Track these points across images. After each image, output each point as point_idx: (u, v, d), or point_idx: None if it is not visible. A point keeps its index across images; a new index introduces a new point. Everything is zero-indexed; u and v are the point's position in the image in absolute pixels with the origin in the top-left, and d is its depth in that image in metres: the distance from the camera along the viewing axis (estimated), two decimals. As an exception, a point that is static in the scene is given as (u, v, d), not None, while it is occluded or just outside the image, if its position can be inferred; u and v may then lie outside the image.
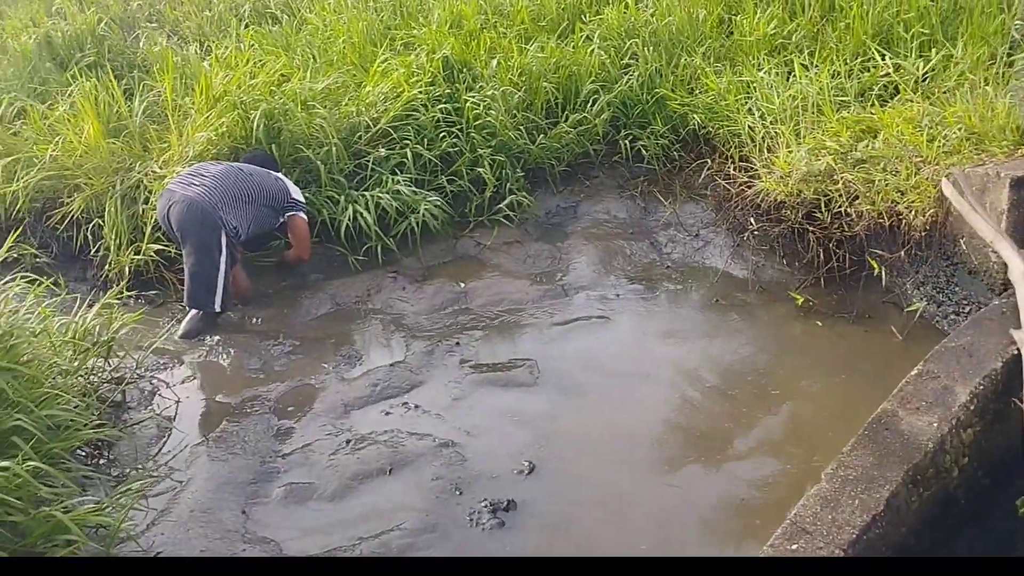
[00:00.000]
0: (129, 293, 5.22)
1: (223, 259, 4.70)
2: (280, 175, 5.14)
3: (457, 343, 4.64)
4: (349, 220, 5.42)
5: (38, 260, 5.44)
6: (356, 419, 4.04)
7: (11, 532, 2.80)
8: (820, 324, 4.67)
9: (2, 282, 3.93)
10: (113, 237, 5.27)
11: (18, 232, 4.98)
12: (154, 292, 5.23)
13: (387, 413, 4.08)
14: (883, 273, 4.69)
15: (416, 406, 4.11)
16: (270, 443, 3.85)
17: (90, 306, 4.68)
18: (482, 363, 4.46)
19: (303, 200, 5.19)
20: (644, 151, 6.29)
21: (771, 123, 5.59)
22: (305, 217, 5.21)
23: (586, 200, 6.20)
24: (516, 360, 4.48)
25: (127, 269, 5.20)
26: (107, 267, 5.28)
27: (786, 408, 3.99)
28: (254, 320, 4.97)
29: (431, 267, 5.50)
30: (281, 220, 5.14)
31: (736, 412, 3.99)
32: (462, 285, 5.25)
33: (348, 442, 3.85)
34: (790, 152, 5.21)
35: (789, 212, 5.15)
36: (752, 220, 5.28)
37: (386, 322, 4.95)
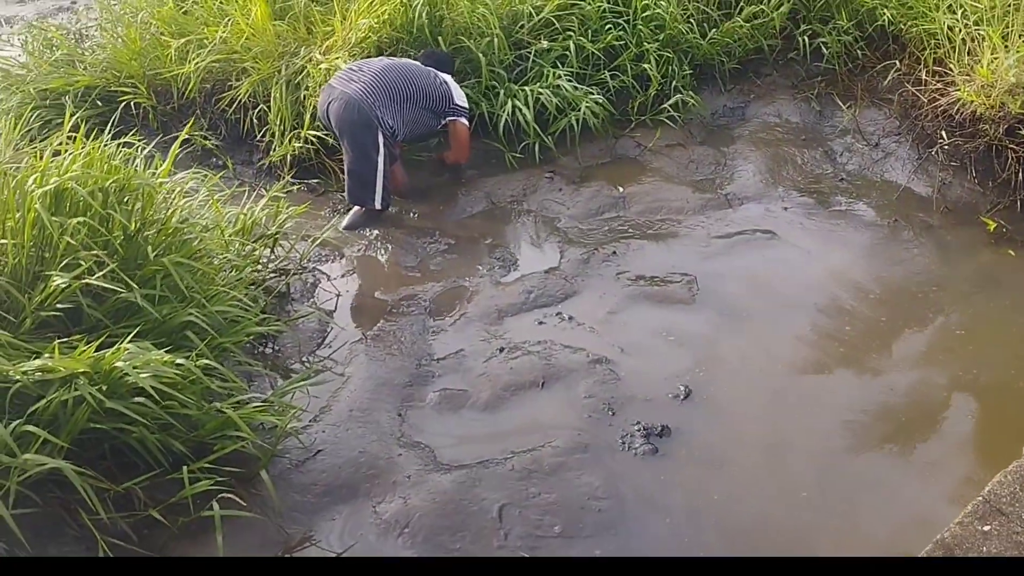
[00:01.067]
0: (292, 181, 5.32)
1: (381, 158, 4.67)
2: (447, 79, 4.99)
3: (613, 252, 4.51)
4: (508, 116, 5.28)
5: (207, 142, 5.58)
6: (509, 326, 4.01)
7: (184, 425, 2.93)
8: (1013, 254, 4.28)
9: (176, 172, 4.03)
10: (277, 123, 5.32)
11: (192, 117, 5.10)
12: (316, 180, 5.29)
13: (540, 323, 4.03)
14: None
15: (570, 317, 4.04)
16: (425, 345, 3.88)
17: (256, 192, 4.82)
18: (639, 275, 4.33)
19: (466, 105, 5.05)
20: (824, 48, 5.82)
21: (975, 24, 5.02)
22: (466, 123, 5.08)
23: (756, 101, 5.83)
24: (674, 275, 4.32)
25: (289, 156, 5.26)
26: (271, 153, 5.36)
27: (971, 352, 3.70)
28: (412, 215, 4.98)
29: (588, 168, 5.33)
30: (442, 123, 5.04)
31: (912, 352, 3.74)
32: (620, 189, 5.08)
33: (501, 350, 3.84)
34: (995, 59, 4.68)
35: (988, 127, 4.68)
36: (944, 133, 4.82)
37: (541, 224, 4.86)
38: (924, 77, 5.19)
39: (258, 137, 5.50)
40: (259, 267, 4.14)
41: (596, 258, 4.49)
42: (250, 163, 5.62)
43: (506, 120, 5.28)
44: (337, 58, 5.27)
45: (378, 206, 4.78)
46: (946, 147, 4.83)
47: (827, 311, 3.99)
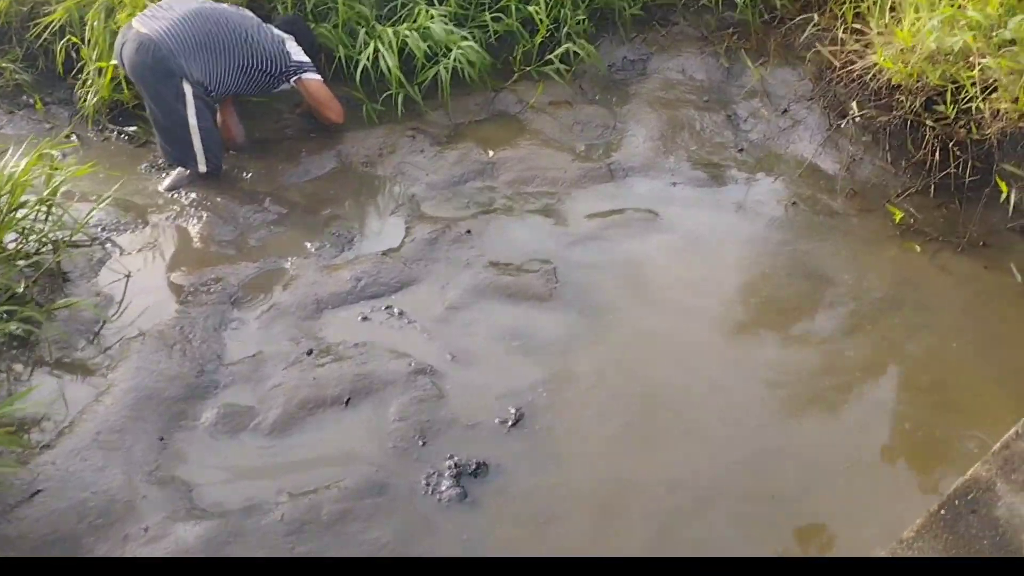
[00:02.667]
0: (109, 128, 4.55)
1: (191, 112, 3.92)
2: (285, 36, 4.25)
3: (468, 231, 3.86)
4: (368, 61, 4.54)
5: (17, 77, 4.77)
6: (326, 322, 3.36)
7: None
8: (919, 249, 3.72)
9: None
10: (93, 58, 4.51)
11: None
12: (134, 128, 4.52)
13: (365, 318, 3.38)
14: (1012, 194, 3.66)
15: (400, 312, 3.40)
16: (217, 345, 3.22)
17: (63, 138, 4.07)
18: (492, 261, 3.69)
19: (307, 59, 4.31)
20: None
21: (902, -23, 4.38)
22: (317, 77, 4.34)
23: (659, 53, 5.16)
24: (533, 262, 3.69)
25: (104, 98, 4.48)
26: (87, 94, 4.56)
27: (858, 378, 3.13)
28: (244, 175, 4.25)
29: (460, 126, 4.64)
30: (288, 86, 4.27)
31: (796, 380, 3.16)
32: (490, 154, 4.40)
33: (309, 353, 3.19)
34: (918, 20, 4.05)
35: (904, 98, 4.07)
36: (855, 103, 4.20)
37: (392, 193, 4.17)
38: (841, 36, 4.55)
39: (74, 73, 4.69)
40: (29, 236, 3.41)
41: (447, 237, 3.82)
42: (70, 103, 4.82)
43: (367, 66, 4.53)
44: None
45: (202, 168, 4.04)
46: (858, 119, 4.22)
47: (704, 315, 3.40)
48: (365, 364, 3.14)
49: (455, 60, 4.61)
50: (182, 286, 3.49)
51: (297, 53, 4.24)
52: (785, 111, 4.66)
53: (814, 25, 4.83)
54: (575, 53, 4.94)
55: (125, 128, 4.54)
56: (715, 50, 5.09)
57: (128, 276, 3.55)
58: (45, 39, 4.73)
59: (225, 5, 4.17)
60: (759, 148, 4.46)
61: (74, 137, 4.50)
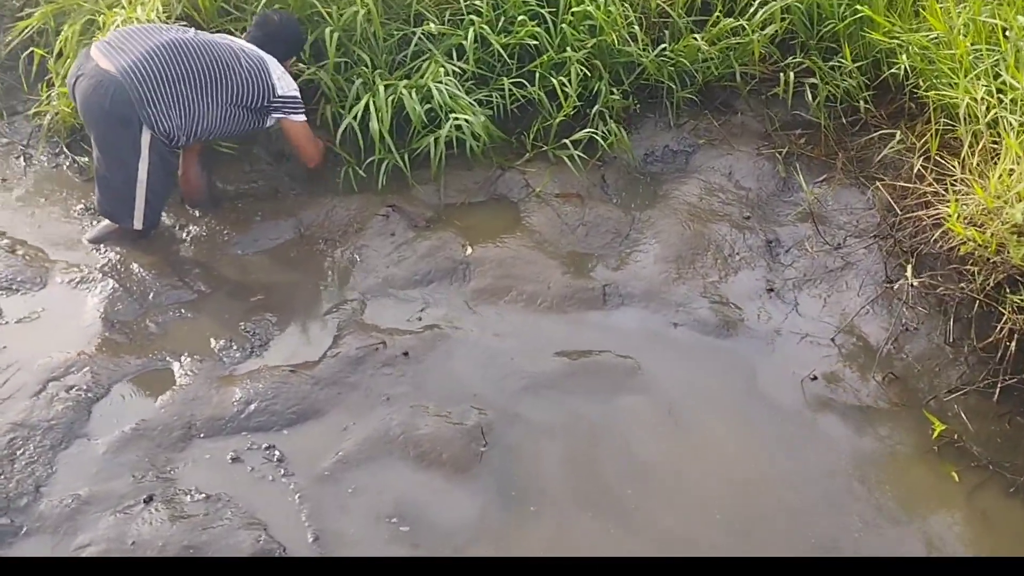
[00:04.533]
0: (68, 152, 4.09)
1: (143, 166, 3.38)
2: (270, 63, 3.62)
3: (406, 353, 3.21)
4: (355, 119, 3.92)
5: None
6: (189, 456, 2.77)
7: None
8: (957, 479, 2.87)
9: None
10: (60, 74, 4.04)
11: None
12: (87, 159, 4.03)
13: (236, 459, 2.78)
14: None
15: (280, 459, 2.79)
16: (44, 471, 2.68)
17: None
18: (419, 402, 3.02)
19: (296, 95, 3.70)
20: (812, 93, 4.32)
21: (1010, 108, 3.50)
22: (301, 119, 3.75)
23: (707, 147, 4.37)
24: (467, 410, 3.00)
25: (57, 119, 4.02)
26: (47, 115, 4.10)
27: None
28: (183, 235, 3.70)
29: (449, 208, 3.98)
30: (268, 123, 3.70)
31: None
32: (468, 251, 3.72)
33: (148, 500, 2.61)
34: (1012, 173, 3.18)
35: (976, 271, 3.21)
36: (909, 270, 3.35)
37: (338, 285, 3.56)
38: (919, 166, 3.70)
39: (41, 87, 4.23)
40: None
41: (377, 359, 3.18)
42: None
43: (354, 123, 3.92)
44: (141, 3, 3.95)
45: (136, 226, 3.50)
46: (914, 284, 3.36)
47: (655, 530, 2.65)
48: (205, 530, 2.53)
49: (452, 130, 3.93)
50: (41, 380, 2.94)
51: (283, 84, 3.63)
52: (839, 247, 3.82)
53: (899, 142, 3.99)
54: (605, 133, 4.20)
55: (79, 158, 4.05)
56: (774, 152, 4.28)
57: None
58: (19, 44, 4.29)
59: (203, 33, 3.61)
60: (793, 291, 3.65)
61: (21, 159, 4.04)
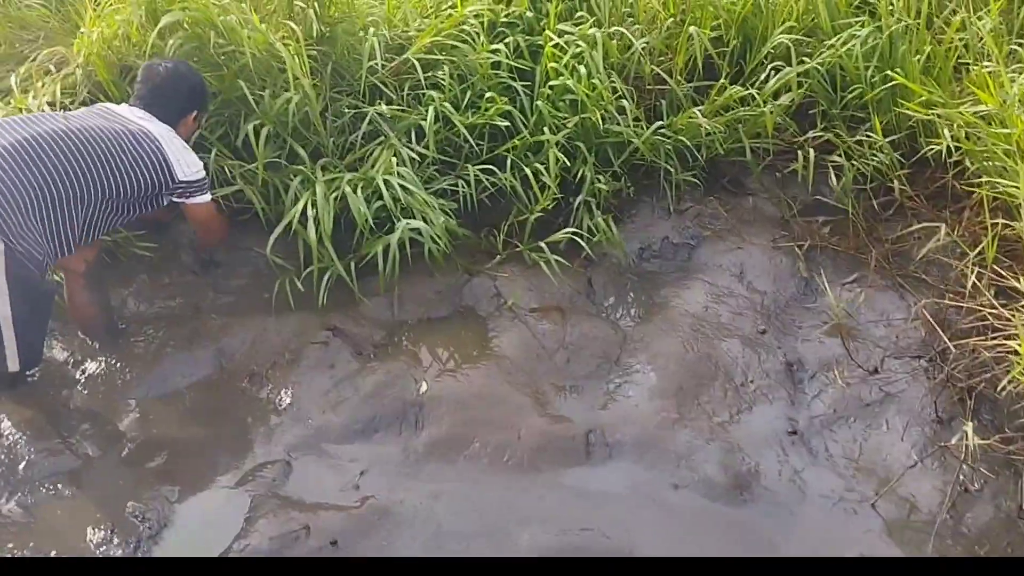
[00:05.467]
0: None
1: (2, 299, 2.71)
2: (164, 136, 2.99)
3: (334, 542, 2.54)
4: (294, 219, 3.27)
5: None
6: None
7: None
8: None
9: None
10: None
11: None
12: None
13: None
14: None
15: None
16: None
17: None
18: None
19: (200, 176, 3.09)
20: (836, 174, 3.65)
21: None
22: (206, 200, 3.15)
23: (714, 240, 3.71)
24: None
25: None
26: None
27: None
28: (77, 373, 3.04)
29: (402, 327, 3.32)
30: (167, 203, 3.08)
31: None
32: (423, 388, 3.05)
33: None
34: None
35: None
36: (969, 427, 2.65)
37: (260, 440, 2.90)
38: (973, 280, 3.02)
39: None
40: None
41: (296, 550, 2.50)
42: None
43: (292, 225, 3.27)
44: (43, 89, 3.32)
45: (12, 367, 2.83)
46: (971, 446, 2.66)
47: None
48: None
49: (403, 234, 3.27)
50: None
51: (184, 166, 3.01)
52: (875, 371, 3.13)
53: (945, 234, 3.31)
54: (592, 228, 3.54)
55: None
56: (793, 245, 3.61)
57: None
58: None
59: (78, 115, 2.95)
60: (821, 434, 2.97)
61: None
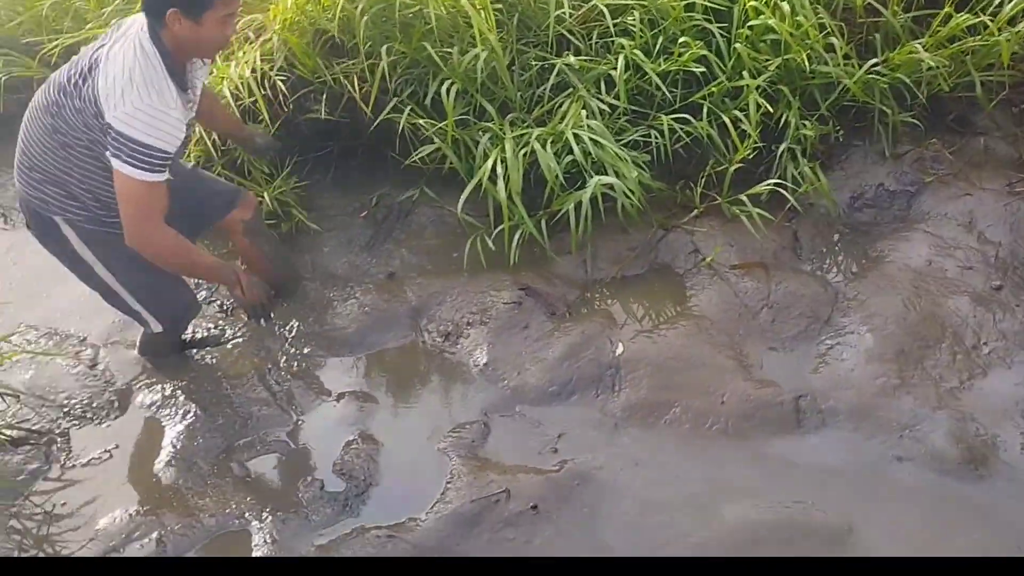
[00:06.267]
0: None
1: (101, 269, 2.59)
2: (120, 58, 2.29)
3: (534, 507, 2.50)
4: (484, 177, 3.22)
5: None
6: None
7: None
8: None
9: None
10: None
11: None
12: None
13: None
14: None
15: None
16: None
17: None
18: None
19: (146, 140, 2.26)
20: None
21: None
22: (136, 174, 2.28)
23: (937, 186, 3.38)
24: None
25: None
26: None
27: None
28: (279, 334, 3.13)
29: (597, 285, 3.22)
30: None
31: None
32: (619, 349, 2.94)
33: None
34: None
35: None
36: None
37: (454, 402, 2.89)
38: None
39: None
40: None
41: (496, 515, 2.51)
42: None
43: (483, 183, 3.23)
44: (243, 57, 3.43)
45: (156, 329, 2.80)
46: None
47: None
48: None
49: (595, 190, 3.15)
50: (102, 550, 2.46)
51: (116, 102, 2.25)
52: None
53: None
54: (797, 177, 3.29)
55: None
56: (1034, 189, 3.21)
57: (47, 514, 2.58)
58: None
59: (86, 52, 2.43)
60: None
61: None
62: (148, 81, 2.26)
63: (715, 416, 2.71)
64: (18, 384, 2.88)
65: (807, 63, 3.21)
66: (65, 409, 2.86)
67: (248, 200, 2.95)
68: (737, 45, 3.29)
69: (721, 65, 3.35)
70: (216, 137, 3.38)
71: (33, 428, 2.78)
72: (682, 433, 2.70)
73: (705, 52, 3.32)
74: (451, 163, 3.37)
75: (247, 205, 2.93)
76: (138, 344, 2.99)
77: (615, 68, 3.34)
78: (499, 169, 3.18)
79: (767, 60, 3.28)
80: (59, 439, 2.77)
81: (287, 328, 3.13)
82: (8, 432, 2.71)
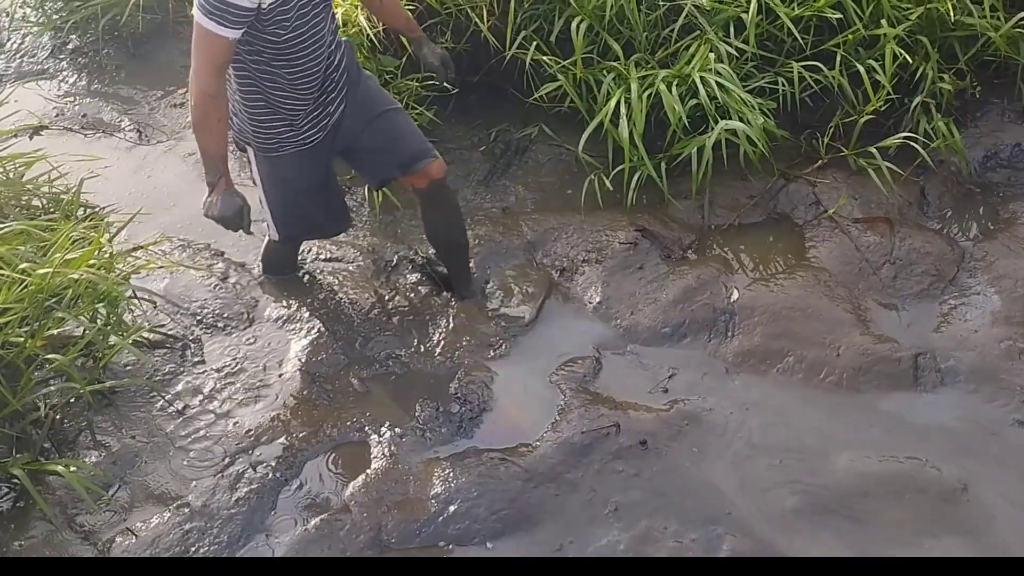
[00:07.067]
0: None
1: (260, 187, 2.77)
2: None
3: (643, 442, 2.56)
4: (606, 118, 3.23)
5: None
6: None
7: None
8: None
9: None
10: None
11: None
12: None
13: (425, 580, 2.28)
14: None
15: (474, 588, 2.24)
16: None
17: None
18: (650, 522, 2.38)
19: None
20: None
21: None
22: (201, 20, 2.26)
23: (1080, 145, 3.22)
24: (711, 541, 2.32)
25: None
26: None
27: None
28: (404, 269, 3.21)
29: (714, 231, 3.22)
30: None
31: None
32: (734, 295, 2.95)
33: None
34: None
35: None
36: None
37: (569, 336, 2.94)
38: None
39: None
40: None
41: (607, 447, 2.56)
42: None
43: (605, 123, 3.24)
44: None
45: (274, 237, 2.92)
46: None
47: None
48: None
49: (719, 135, 3.13)
50: (230, 452, 2.61)
51: None
52: None
53: None
54: (930, 132, 3.21)
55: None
56: None
57: (180, 412, 2.74)
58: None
59: None
60: None
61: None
62: None
63: (829, 367, 2.71)
64: (155, 290, 3.03)
65: (951, 13, 3.10)
66: (198, 317, 3.01)
67: (425, 169, 2.75)
68: (878, -10, 3.19)
69: (859, 12, 3.25)
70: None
71: (169, 333, 2.93)
72: (794, 382, 2.70)
73: (844, -3, 3.23)
74: (571, 102, 3.37)
75: (425, 174, 2.75)
76: (260, 255, 3.12)
77: (746, 11, 3.28)
78: (622, 109, 3.18)
79: (908, 8, 3.17)
80: (192, 345, 2.92)
81: (408, 254, 3.21)
82: (147, 335, 2.86)
